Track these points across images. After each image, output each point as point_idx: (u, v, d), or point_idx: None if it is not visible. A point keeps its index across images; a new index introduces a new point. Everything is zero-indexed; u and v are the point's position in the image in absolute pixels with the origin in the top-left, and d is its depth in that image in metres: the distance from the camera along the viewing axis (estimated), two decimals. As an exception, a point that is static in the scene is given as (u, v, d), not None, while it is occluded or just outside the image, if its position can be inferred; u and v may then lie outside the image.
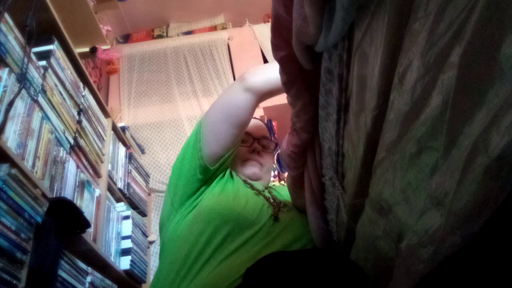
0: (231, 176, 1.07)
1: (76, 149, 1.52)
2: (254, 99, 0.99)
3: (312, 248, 0.90)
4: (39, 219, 1.01)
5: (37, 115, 1.23)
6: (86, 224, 1.24)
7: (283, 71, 0.69)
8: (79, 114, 1.60)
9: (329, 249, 0.88)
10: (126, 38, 3.70)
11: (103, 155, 1.84)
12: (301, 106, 0.72)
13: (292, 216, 0.98)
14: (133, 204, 2.14)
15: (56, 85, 1.44)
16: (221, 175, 1.04)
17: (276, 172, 2.76)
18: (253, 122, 1.23)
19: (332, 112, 0.63)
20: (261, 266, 0.62)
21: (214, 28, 3.67)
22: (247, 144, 1.14)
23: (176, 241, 0.93)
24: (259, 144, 1.16)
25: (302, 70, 0.66)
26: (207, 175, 1.00)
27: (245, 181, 1.07)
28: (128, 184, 2.11)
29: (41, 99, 1.29)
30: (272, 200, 1.02)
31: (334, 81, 0.58)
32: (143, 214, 2.27)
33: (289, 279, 0.57)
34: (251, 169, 1.11)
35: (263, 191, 1.07)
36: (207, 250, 0.85)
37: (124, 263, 1.72)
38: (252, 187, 1.05)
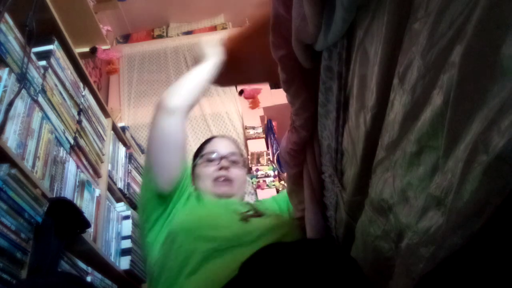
0: (199, 197, 1.09)
1: (76, 149, 1.52)
2: (180, 118, 1.01)
3: (307, 239, 0.91)
4: (39, 219, 1.01)
5: (37, 115, 1.23)
6: (86, 224, 1.24)
7: (282, 69, 0.69)
8: (79, 114, 1.60)
9: (325, 239, 0.88)
10: (126, 38, 3.70)
11: (103, 155, 1.84)
12: (300, 104, 0.72)
13: (267, 221, 1.01)
14: (133, 204, 2.14)
15: (56, 85, 1.44)
16: (186, 197, 1.06)
17: (276, 172, 2.77)
18: (219, 140, 1.27)
19: (332, 109, 0.63)
20: (257, 258, 0.62)
21: (214, 28, 3.67)
22: (215, 163, 1.17)
23: (157, 270, 0.96)
24: (228, 160, 1.18)
25: (301, 68, 0.66)
26: (166, 199, 1.03)
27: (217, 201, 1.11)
28: (128, 184, 2.11)
29: (41, 99, 1.29)
30: (246, 210, 1.05)
31: (334, 79, 0.58)
32: (143, 214, 2.27)
33: (286, 270, 0.57)
34: (221, 187, 1.13)
35: (240, 204, 1.11)
36: (191, 262, 0.89)
37: (124, 263, 1.72)
38: (225, 203, 1.08)
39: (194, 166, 1.22)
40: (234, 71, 1.13)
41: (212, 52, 1.09)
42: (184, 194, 1.06)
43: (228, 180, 1.15)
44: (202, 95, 1.10)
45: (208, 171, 1.15)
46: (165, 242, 0.97)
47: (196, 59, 1.13)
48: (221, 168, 1.15)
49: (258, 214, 1.04)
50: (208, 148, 1.22)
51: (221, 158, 1.18)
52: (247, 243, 0.91)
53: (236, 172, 1.18)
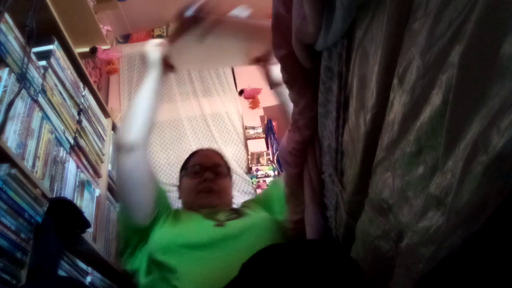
0: (176, 216, 1.10)
1: (76, 149, 1.52)
2: (140, 151, 0.99)
3: (307, 240, 0.92)
4: (39, 219, 1.01)
5: (37, 115, 1.23)
6: (86, 224, 1.24)
7: (284, 69, 0.69)
8: (79, 114, 1.60)
9: (324, 240, 0.89)
10: (126, 38, 3.70)
11: (103, 155, 1.84)
12: (305, 104, 0.73)
13: (243, 222, 1.03)
14: (133, 204, 2.14)
15: (56, 85, 1.44)
16: (163, 219, 1.07)
17: (276, 172, 2.77)
18: (203, 153, 1.31)
19: (332, 109, 0.63)
20: (257, 259, 0.62)
21: (214, 28, 3.66)
22: (199, 175, 1.19)
23: None
24: (212, 172, 1.20)
25: (303, 68, 0.66)
26: (147, 230, 1.04)
27: (202, 211, 1.11)
28: (128, 184, 2.11)
29: (41, 99, 1.29)
30: (227, 215, 1.06)
31: (334, 79, 0.58)
32: (143, 214, 2.26)
33: (286, 270, 0.57)
34: (205, 199, 1.16)
35: (223, 210, 1.12)
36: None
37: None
38: (203, 213, 1.09)
39: (180, 179, 1.26)
40: (187, 59, 1.16)
41: (153, 61, 1.08)
42: (162, 218, 1.07)
43: (212, 191, 1.17)
44: (156, 114, 1.07)
45: (193, 184, 1.19)
46: (148, 265, 0.99)
47: (144, 63, 1.12)
48: (205, 180, 1.18)
49: (238, 215, 1.06)
50: (193, 161, 1.26)
51: (206, 170, 1.20)
52: (227, 245, 0.93)
53: (220, 183, 1.21)
